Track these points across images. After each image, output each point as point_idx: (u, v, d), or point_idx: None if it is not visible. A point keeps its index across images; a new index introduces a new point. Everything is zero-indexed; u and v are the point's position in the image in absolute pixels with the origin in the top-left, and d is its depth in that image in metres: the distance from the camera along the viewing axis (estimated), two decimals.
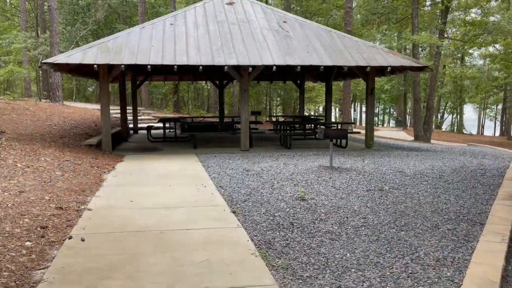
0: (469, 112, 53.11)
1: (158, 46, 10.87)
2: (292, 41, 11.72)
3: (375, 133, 21.36)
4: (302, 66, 10.65)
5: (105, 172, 8.07)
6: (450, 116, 46.38)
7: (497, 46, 34.30)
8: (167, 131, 14.56)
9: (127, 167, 8.80)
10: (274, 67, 10.52)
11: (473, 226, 5.03)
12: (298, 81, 18.68)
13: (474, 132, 45.97)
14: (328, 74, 15.20)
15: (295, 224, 4.97)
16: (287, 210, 5.57)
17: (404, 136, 24.79)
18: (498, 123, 51.52)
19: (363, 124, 42.42)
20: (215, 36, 11.59)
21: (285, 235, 4.57)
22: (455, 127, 39.60)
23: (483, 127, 48.87)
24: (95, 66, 9.91)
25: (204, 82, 24.72)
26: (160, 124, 14.54)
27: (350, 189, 6.83)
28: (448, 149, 13.17)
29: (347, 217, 5.29)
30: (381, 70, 11.90)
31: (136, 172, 8.26)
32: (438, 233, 4.76)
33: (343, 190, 6.74)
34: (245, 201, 6.01)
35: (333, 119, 24.73)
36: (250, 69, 10.56)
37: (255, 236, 4.52)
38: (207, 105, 30.20)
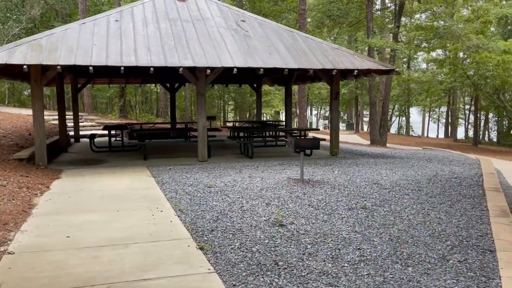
0: (414, 115, 54.88)
1: (102, 45, 9.54)
2: (252, 41, 10.80)
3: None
4: (265, 69, 9.76)
5: (36, 194, 6.69)
6: (398, 119, 47.61)
7: (440, 51, 35.51)
8: (113, 139, 13.15)
9: (64, 187, 7.44)
10: (235, 70, 9.54)
11: (484, 255, 4.32)
12: (255, 85, 17.84)
13: (420, 134, 47.48)
14: (288, 77, 14.44)
15: (279, 263, 4.01)
16: (266, 241, 4.59)
17: (358, 140, 24.67)
18: (441, 125, 53.73)
19: (320, 128, 42.49)
20: (167, 35, 10.42)
21: (271, 282, 3.60)
22: (404, 130, 40.55)
23: (427, 129, 50.71)
24: (24, 66, 8.43)
25: (153, 85, 23.23)
26: (105, 132, 13.08)
27: (330, 208, 5.98)
28: (411, 154, 12.82)
29: (339, 249, 4.40)
30: (346, 73, 11.27)
31: (75, 193, 6.93)
32: (449, 267, 3.98)
33: (323, 210, 5.88)
34: (212, 230, 4.97)
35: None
36: (208, 71, 9.50)
37: (234, 286, 3.51)
38: (156, 110, 28.62)
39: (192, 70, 9.98)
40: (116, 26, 10.46)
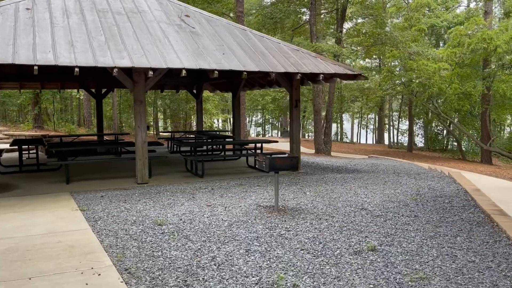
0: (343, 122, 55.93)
1: (7, 38, 7.33)
2: (201, 39, 9.13)
3: (270, 145, 19.78)
4: (220, 71, 8.14)
5: None
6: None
7: (370, 59, 36.20)
8: (25, 155, 10.71)
9: None
10: (184, 72, 7.80)
11: None
12: (194, 91, 16.07)
13: (350, 140, 48.40)
14: (236, 82, 12.91)
15: None
16: None
17: (301, 149, 23.82)
18: (369, 131, 55.47)
19: (254, 136, 41.36)
20: (96, 29, 8.41)
21: None
22: (338, 137, 40.88)
23: (358, 135, 52.02)
24: None
25: (76, 90, 20.42)
26: (16, 147, 10.57)
27: (331, 253, 4.53)
28: (372, 166, 11.88)
29: None
30: (309, 78, 10.01)
31: None
32: None
33: (324, 257, 4.42)
34: None
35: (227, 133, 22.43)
36: (151, 73, 7.67)
37: None
38: (78, 119, 25.56)
39: (129, 72, 8.09)
40: (27, 16, 8.24)
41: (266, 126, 59.70)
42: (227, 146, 12.74)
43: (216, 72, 8.06)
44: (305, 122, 52.76)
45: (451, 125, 25.75)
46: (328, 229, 5.42)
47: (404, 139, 47.56)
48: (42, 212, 6.26)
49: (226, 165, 11.22)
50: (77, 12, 8.86)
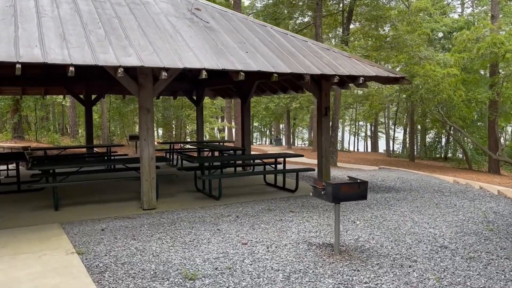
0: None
1: None
2: (218, 35, 7.68)
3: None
4: (246, 73, 6.69)
5: None
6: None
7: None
8: (3, 171, 9.09)
9: None
10: (204, 73, 6.33)
11: None
12: (194, 97, 14.57)
13: (348, 149, 47.39)
14: (247, 87, 11.47)
15: None
16: None
17: (303, 159, 22.43)
18: (360, 139, 54.67)
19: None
20: (93, 21, 6.88)
21: None
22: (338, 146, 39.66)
23: (356, 144, 51.16)
24: None
25: (60, 96, 18.59)
26: None
27: None
28: (405, 184, 10.51)
29: None
30: (341, 82, 8.64)
31: None
32: None
33: None
34: None
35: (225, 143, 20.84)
36: (164, 74, 6.16)
37: None
38: (62, 128, 23.67)
39: (134, 73, 6.59)
40: (7, 4, 6.66)
41: (255, 134, 58.31)
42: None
43: (242, 74, 6.61)
44: (296, 129, 51.63)
45: (458, 133, 24.75)
46: (422, 282, 4.01)
47: (397, 147, 46.94)
48: (26, 259, 4.67)
49: (239, 183, 9.72)
50: (68, 1, 7.31)
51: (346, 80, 8.51)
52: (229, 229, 5.86)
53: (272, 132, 53.79)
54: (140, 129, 7.01)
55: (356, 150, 50.49)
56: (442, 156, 31.65)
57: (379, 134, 47.56)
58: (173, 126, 21.37)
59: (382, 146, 44.64)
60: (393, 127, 39.22)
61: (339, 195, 4.58)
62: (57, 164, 7.44)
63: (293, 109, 29.38)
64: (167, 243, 5.19)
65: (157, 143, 16.02)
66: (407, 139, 36.35)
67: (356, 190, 4.67)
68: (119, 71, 5.83)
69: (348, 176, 5.08)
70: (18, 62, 5.26)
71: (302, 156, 9.07)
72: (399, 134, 49.87)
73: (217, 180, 7.82)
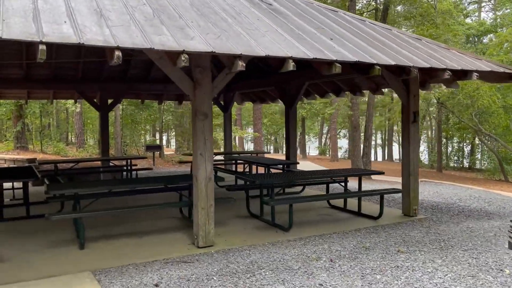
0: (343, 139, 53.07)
1: None
2: (288, 19, 5.99)
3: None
4: (344, 64, 4.98)
5: None
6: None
7: None
8: (7, 192, 7.37)
9: None
10: (291, 64, 4.61)
11: None
12: (222, 101, 12.87)
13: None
14: (294, 89, 9.77)
15: None
16: None
17: (314, 167, 20.69)
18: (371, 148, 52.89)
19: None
20: None
21: None
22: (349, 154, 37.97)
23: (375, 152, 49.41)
24: None
25: (69, 101, 16.77)
26: None
27: None
28: (493, 204, 8.75)
29: None
30: (422, 80, 6.94)
31: None
32: None
33: None
34: None
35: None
36: (241, 64, 4.44)
37: None
38: (66, 136, 21.89)
39: (196, 60, 4.89)
40: None
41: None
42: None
43: (338, 65, 4.90)
44: (311, 137, 49.86)
45: (488, 142, 23.11)
46: None
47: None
48: None
49: (297, 206, 7.94)
50: None
51: (437, 76, 6.76)
52: (334, 283, 4.12)
53: (277, 140, 51.95)
54: (195, 140, 5.27)
55: (373, 159, 48.74)
56: (467, 166, 30.02)
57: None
58: (186, 134, 19.58)
59: (394, 155, 42.98)
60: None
61: None
62: (80, 186, 5.67)
63: (307, 117, 27.66)
64: None
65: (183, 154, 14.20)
66: (428, 148, 34.75)
67: None
68: (183, 58, 4.11)
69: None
70: (41, 42, 3.53)
71: (382, 173, 7.33)
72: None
73: (291, 205, 6.06)
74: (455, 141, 31.10)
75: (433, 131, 37.42)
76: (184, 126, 18.56)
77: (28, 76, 10.22)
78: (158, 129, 26.46)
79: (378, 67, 5.16)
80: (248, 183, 7.75)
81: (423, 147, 43.84)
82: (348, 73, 5.49)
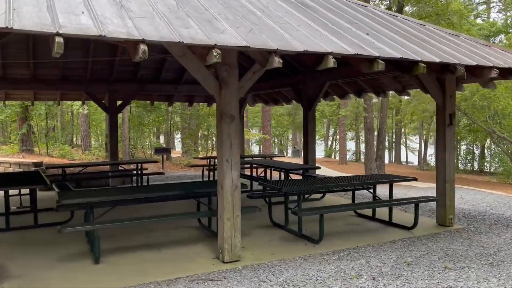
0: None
1: None
2: (319, 13, 5.54)
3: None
4: (387, 61, 4.52)
5: None
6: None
7: None
8: (12, 198, 6.94)
9: None
10: (332, 60, 4.15)
11: None
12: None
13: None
14: (313, 89, 9.31)
15: None
16: None
17: (338, 174, 20.16)
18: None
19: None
20: None
21: None
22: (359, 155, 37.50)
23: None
24: None
25: (76, 103, 16.31)
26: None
27: None
28: None
29: None
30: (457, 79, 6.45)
31: None
32: None
33: None
34: None
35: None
36: (278, 60, 3.97)
37: None
38: (71, 139, 21.47)
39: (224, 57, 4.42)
40: None
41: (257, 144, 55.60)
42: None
43: (381, 62, 4.43)
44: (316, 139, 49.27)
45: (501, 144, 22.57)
46: None
47: (414, 158, 44.59)
48: None
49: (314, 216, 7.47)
50: None
51: (492, 76, 6.25)
52: None
53: (281, 142, 51.41)
54: (220, 145, 4.81)
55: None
56: (477, 169, 29.45)
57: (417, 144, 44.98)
58: (199, 137, 19.12)
59: (402, 157, 42.38)
60: (422, 137, 36.95)
61: None
62: (94, 195, 5.22)
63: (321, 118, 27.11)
64: None
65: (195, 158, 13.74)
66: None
67: None
68: (214, 53, 3.65)
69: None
70: (58, 34, 3.08)
71: (415, 179, 6.86)
72: (413, 143, 47.72)
73: (322, 215, 5.58)
74: (463, 143, 30.49)
75: None
76: (192, 128, 18.10)
77: (35, 77, 9.81)
78: (161, 131, 26.01)
79: (423, 65, 4.69)
80: (268, 189, 7.31)
81: (431, 150, 43.29)
82: (387, 71, 5.02)
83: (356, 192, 8.33)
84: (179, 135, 28.45)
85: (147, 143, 21.14)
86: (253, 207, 5.68)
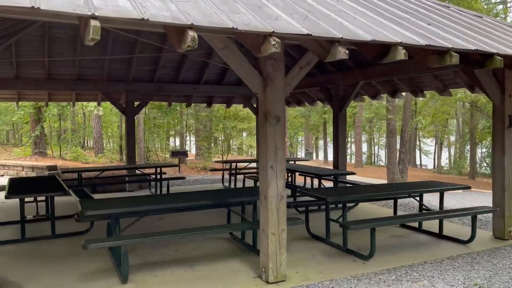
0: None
1: None
2: (373, 3, 4.96)
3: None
4: (462, 54, 3.93)
5: None
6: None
7: None
8: (27, 205, 6.45)
9: None
10: (403, 52, 3.56)
11: None
12: (255, 104, 11.86)
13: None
14: (343, 90, 8.73)
15: None
16: None
17: (356, 177, 19.49)
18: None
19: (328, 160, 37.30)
20: None
21: None
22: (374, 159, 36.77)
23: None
24: None
25: (91, 104, 15.81)
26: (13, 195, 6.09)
27: None
28: None
29: None
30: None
31: None
32: None
33: None
34: None
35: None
36: (344, 51, 3.40)
37: None
38: (83, 141, 21.04)
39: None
40: None
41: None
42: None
43: (455, 54, 3.84)
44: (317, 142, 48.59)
45: None
46: None
47: (429, 161, 43.65)
48: None
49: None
50: None
51: None
52: None
53: (292, 145, 50.70)
54: (264, 149, 4.25)
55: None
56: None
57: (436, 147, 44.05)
58: (218, 139, 18.57)
59: (416, 161, 41.52)
60: (436, 139, 36.12)
61: None
62: (119, 205, 4.68)
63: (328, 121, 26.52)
64: None
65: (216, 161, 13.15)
66: (455, 154, 33.34)
67: None
68: (273, 42, 3.10)
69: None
70: (93, 17, 2.54)
71: (469, 187, 6.25)
72: (430, 147, 46.76)
73: (373, 230, 4.98)
74: (479, 146, 29.64)
75: (458, 136, 36.06)
76: (207, 130, 17.57)
77: (50, 76, 9.35)
78: (171, 134, 25.52)
79: (500, 58, 4.09)
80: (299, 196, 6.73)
81: (444, 153, 42.39)
82: (455, 66, 4.44)
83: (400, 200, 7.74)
84: (189, 137, 27.98)
85: (158, 145, 20.63)
86: (297, 218, 5.10)
